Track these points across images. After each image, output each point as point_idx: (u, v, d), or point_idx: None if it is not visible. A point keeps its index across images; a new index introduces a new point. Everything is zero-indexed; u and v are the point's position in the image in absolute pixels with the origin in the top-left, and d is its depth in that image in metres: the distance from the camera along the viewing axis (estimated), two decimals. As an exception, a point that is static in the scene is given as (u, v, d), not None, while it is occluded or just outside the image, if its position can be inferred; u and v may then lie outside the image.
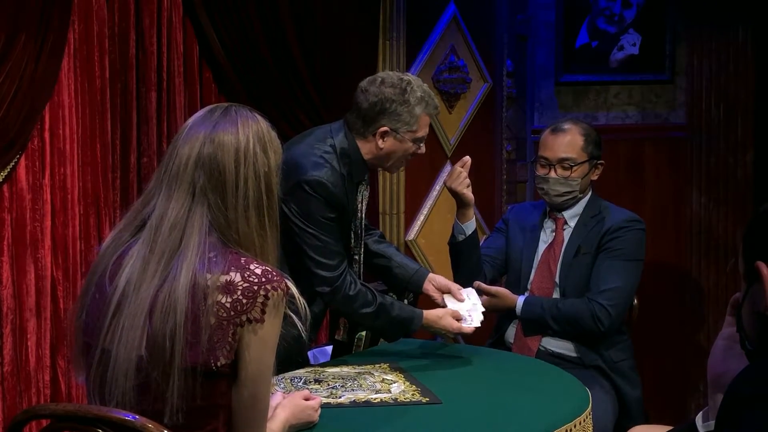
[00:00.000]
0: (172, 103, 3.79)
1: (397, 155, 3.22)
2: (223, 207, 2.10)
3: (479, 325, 3.24)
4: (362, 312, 3.16)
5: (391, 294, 3.38)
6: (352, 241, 3.30)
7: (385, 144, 3.18)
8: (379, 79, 3.19)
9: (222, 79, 3.94)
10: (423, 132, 3.21)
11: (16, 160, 3.39)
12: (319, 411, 2.53)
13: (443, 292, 3.31)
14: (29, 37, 3.31)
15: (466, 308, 3.26)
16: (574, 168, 3.63)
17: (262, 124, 2.18)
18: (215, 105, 2.22)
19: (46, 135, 3.46)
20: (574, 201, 3.68)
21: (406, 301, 3.39)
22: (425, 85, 3.23)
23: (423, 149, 3.26)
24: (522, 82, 5.00)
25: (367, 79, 3.23)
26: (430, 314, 3.20)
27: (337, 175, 3.13)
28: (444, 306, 3.27)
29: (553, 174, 3.64)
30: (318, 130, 3.27)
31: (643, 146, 5.12)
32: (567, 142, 3.65)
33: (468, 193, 3.47)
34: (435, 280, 3.33)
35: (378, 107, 3.14)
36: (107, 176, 3.62)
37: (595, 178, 3.71)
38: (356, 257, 3.34)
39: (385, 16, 4.46)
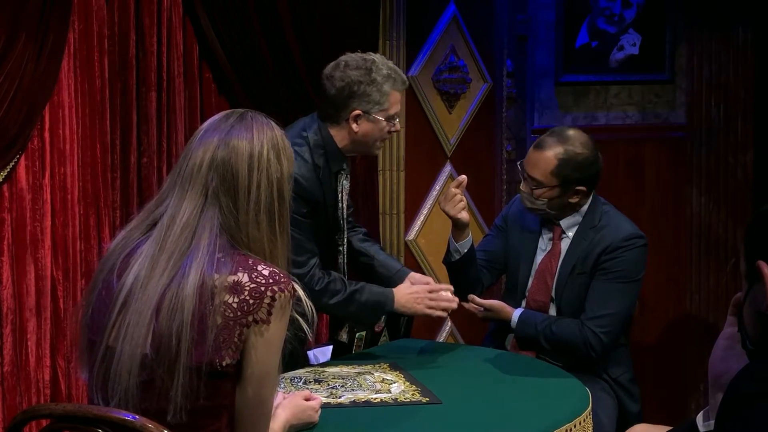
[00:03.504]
0: (172, 103, 3.78)
1: (373, 137, 3.22)
2: (234, 210, 2.11)
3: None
4: (332, 303, 3.15)
5: None
6: (339, 232, 3.30)
7: (360, 127, 3.18)
8: (343, 63, 3.19)
9: (222, 79, 3.94)
10: (395, 109, 3.21)
11: (16, 160, 3.39)
12: (320, 411, 2.53)
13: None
14: (29, 37, 3.31)
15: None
16: (538, 190, 3.40)
17: (277, 132, 2.20)
18: (231, 110, 2.24)
19: (46, 135, 3.46)
20: (571, 210, 3.48)
21: None
22: (390, 61, 3.24)
23: (397, 126, 3.25)
24: (522, 82, 5.00)
25: (330, 64, 3.22)
26: (401, 296, 3.18)
27: (309, 167, 3.14)
28: None
29: (523, 187, 3.47)
30: (294, 126, 3.27)
31: (643, 146, 5.11)
32: (538, 162, 3.41)
33: (463, 216, 3.36)
34: (413, 278, 3.31)
35: (346, 91, 3.15)
36: (107, 176, 3.62)
37: (574, 201, 3.43)
38: (340, 248, 3.33)
39: (385, 16, 4.46)
